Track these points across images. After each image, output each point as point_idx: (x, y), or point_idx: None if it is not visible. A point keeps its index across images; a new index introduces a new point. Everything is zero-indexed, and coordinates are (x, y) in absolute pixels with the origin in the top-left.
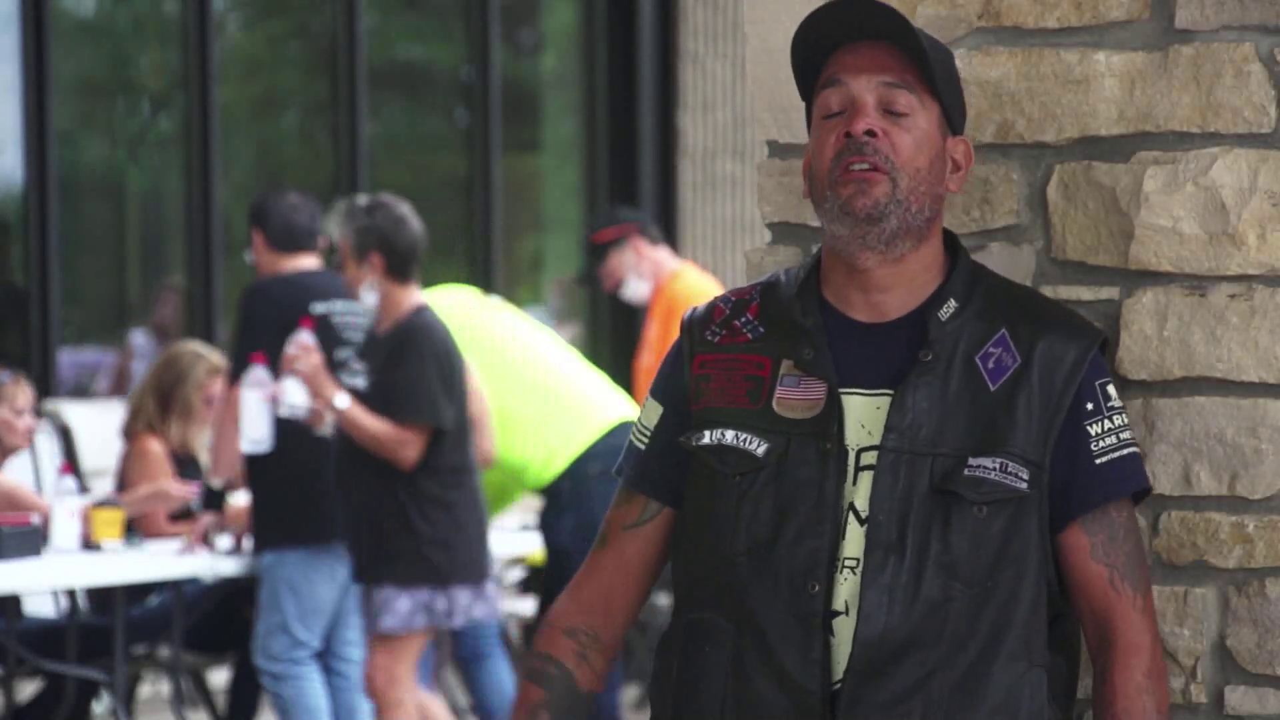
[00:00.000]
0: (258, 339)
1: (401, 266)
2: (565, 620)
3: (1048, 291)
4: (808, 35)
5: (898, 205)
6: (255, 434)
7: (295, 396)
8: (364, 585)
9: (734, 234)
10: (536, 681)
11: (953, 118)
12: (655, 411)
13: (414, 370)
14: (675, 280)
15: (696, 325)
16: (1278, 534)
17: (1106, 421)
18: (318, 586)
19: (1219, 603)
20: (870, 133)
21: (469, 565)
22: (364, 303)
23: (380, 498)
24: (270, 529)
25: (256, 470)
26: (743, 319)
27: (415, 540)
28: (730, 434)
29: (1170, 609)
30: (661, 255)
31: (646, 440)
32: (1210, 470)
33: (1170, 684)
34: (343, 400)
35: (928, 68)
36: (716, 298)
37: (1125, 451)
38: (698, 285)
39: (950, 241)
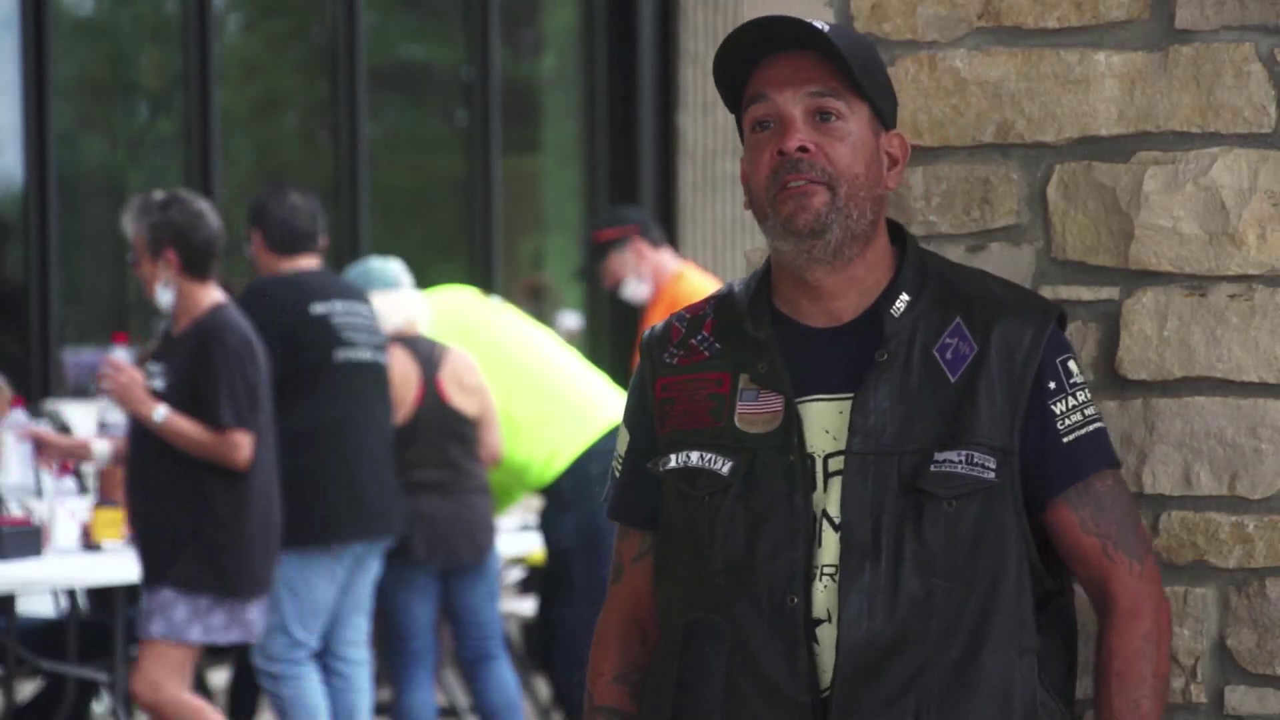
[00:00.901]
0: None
1: (198, 263)
2: (611, 667)
3: (1047, 292)
4: (728, 52)
5: (839, 214)
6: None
7: (113, 415)
8: (145, 586)
9: (734, 234)
10: None
11: (884, 114)
12: (624, 438)
13: (226, 371)
14: (678, 282)
15: (655, 347)
16: (1278, 534)
17: (1070, 399)
18: (316, 587)
19: (1219, 603)
20: (803, 148)
21: (256, 578)
22: (159, 301)
23: (173, 502)
24: None
25: None
26: (699, 337)
27: (203, 546)
28: (695, 455)
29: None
30: (663, 257)
31: (620, 469)
32: (1210, 470)
33: (1170, 684)
34: (160, 413)
35: (850, 72)
36: (672, 315)
37: (1091, 428)
38: (700, 287)
39: (896, 231)
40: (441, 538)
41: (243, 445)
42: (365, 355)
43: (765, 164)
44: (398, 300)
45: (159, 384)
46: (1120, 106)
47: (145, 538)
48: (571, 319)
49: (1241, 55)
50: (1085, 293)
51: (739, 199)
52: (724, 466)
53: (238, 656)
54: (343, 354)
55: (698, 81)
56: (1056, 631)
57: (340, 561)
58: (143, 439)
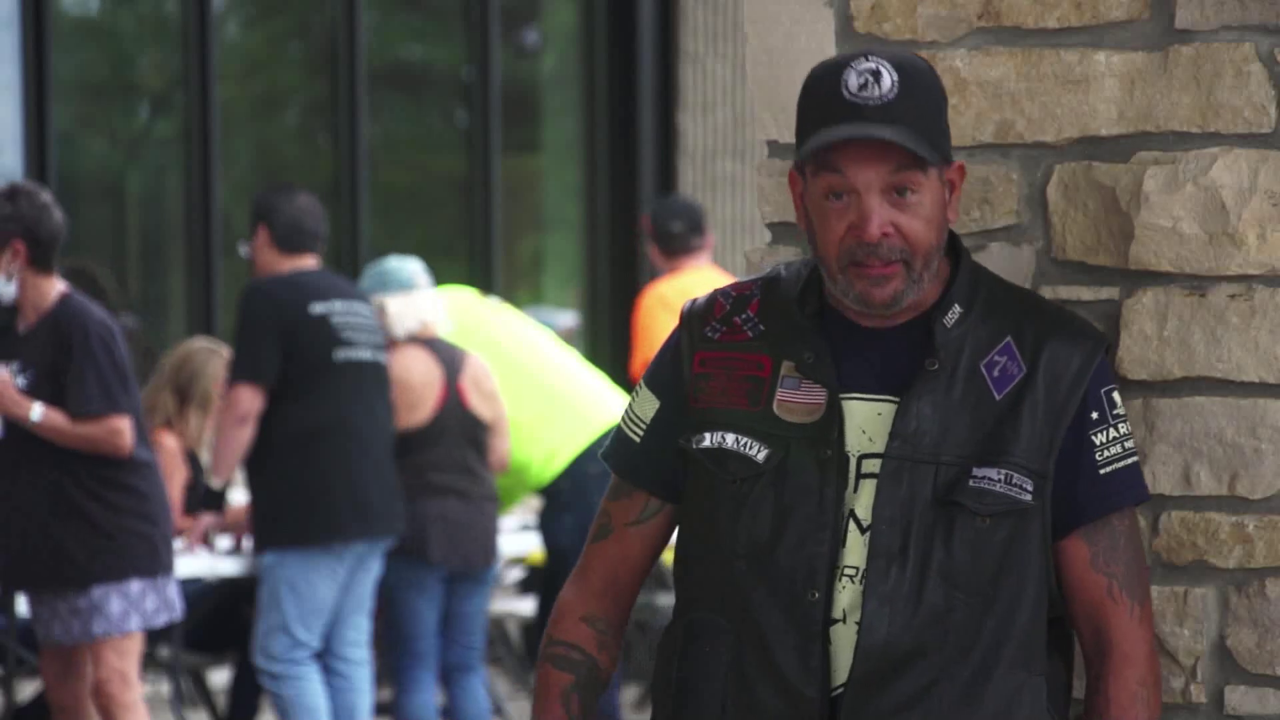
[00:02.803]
0: (257, 338)
1: (43, 255)
2: (581, 608)
3: (1047, 292)
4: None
5: (913, 285)
6: None
7: None
8: (54, 592)
9: (734, 234)
10: (563, 668)
11: (947, 155)
12: (651, 403)
13: (91, 357)
14: (644, 299)
15: (696, 320)
16: (1278, 534)
17: (1112, 430)
18: (318, 587)
19: (1219, 603)
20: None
21: (168, 550)
22: (1, 293)
23: (57, 498)
24: (270, 529)
25: (257, 470)
26: (743, 315)
27: (110, 534)
28: (730, 437)
29: (1170, 609)
30: (672, 264)
31: (642, 433)
32: (1210, 470)
33: (1170, 684)
34: (38, 412)
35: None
36: (716, 291)
37: (1129, 461)
38: (654, 305)
39: (951, 241)
40: (458, 541)
41: (124, 430)
42: (365, 355)
43: (837, 234)
44: (416, 301)
45: (21, 383)
46: (1120, 106)
47: (41, 546)
48: (567, 318)
49: (1241, 55)
50: (1085, 293)
51: (739, 199)
52: (759, 453)
53: (238, 656)
54: (342, 354)
55: (698, 81)
56: (1061, 655)
57: (342, 561)
58: (11, 448)
